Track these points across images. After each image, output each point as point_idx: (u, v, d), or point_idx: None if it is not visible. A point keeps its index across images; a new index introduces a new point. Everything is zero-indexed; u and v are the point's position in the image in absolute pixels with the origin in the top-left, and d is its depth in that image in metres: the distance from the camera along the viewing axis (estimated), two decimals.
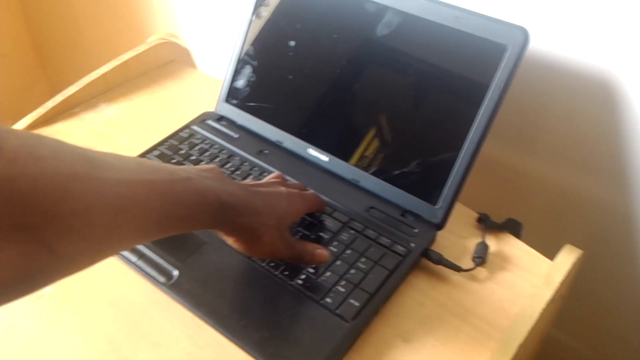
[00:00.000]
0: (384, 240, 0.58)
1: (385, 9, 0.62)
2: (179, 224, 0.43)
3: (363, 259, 0.56)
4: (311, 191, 0.59)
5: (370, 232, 0.59)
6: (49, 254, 0.33)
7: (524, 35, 0.55)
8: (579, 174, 0.68)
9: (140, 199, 0.39)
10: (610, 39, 0.59)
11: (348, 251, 0.57)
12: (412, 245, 0.57)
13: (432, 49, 0.60)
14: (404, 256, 0.56)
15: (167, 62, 0.89)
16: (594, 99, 0.62)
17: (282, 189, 0.54)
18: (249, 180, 0.58)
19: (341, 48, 0.65)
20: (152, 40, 0.87)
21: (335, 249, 0.57)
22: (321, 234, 0.58)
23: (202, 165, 0.50)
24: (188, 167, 0.48)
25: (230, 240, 0.49)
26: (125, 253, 0.56)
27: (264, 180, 0.57)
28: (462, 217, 0.62)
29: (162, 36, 0.89)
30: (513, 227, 0.62)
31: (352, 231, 0.59)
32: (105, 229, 0.36)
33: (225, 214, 0.46)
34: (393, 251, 0.57)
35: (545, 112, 0.67)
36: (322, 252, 0.53)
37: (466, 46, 0.58)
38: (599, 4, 0.58)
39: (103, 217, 0.36)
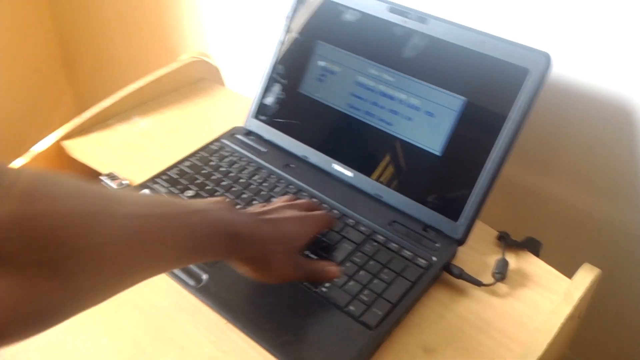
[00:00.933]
0: (406, 253, 0.59)
1: (412, 32, 0.65)
2: (192, 255, 0.44)
3: (386, 270, 0.57)
4: (320, 211, 0.60)
5: (393, 245, 0.60)
6: (66, 289, 0.34)
7: (547, 60, 0.57)
8: (597, 196, 0.70)
9: (154, 231, 0.39)
10: (630, 64, 0.61)
11: (371, 262, 0.58)
12: (434, 259, 0.59)
13: (457, 71, 0.62)
14: (425, 269, 0.58)
15: (198, 79, 0.93)
16: (613, 123, 0.64)
17: (291, 213, 0.54)
18: (257, 206, 0.57)
19: (368, 69, 0.68)
20: (184, 59, 0.91)
21: (358, 260, 0.58)
22: (345, 245, 0.60)
23: (212, 198, 0.51)
24: (198, 200, 0.49)
25: (241, 269, 0.50)
26: None
27: (274, 204, 0.57)
28: (482, 234, 0.64)
29: (193, 54, 0.93)
30: (532, 246, 0.63)
31: (375, 243, 0.61)
32: (119, 262, 0.37)
33: (236, 243, 0.46)
34: (415, 264, 0.58)
35: (565, 135, 0.69)
36: (332, 269, 0.55)
37: (490, 70, 0.60)
38: (619, 30, 0.60)
39: (118, 250, 0.37)
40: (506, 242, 0.64)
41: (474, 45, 0.61)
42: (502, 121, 0.59)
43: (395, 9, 0.66)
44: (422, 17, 0.64)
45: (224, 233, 0.45)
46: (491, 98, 0.60)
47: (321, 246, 0.60)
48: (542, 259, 0.63)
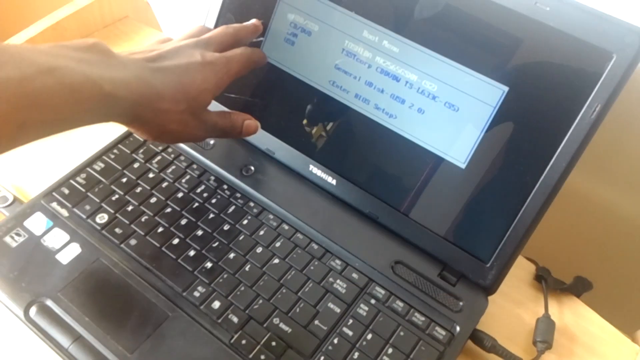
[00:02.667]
0: (418, 318, 0.42)
1: None
2: (42, 129, 0.34)
3: (390, 350, 0.40)
4: (240, 49, 0.45)
5: (399, 304, 0.43)
6: None
7: (639, 41, 0.37)
8: None
9: None
10: None
11: (368, 335, 0.41)
12: (457, 327, 0.41)
13: (498, 46, 0.42)
14: (446, 344, 0.41)
15: (118, 19, 0.68)
16: None
17: (198, 54, 0.42)
18: (152, 45, 0.43)
19: (361, 31, 0.46)
20: None
21: (350, 332, 0.41)
22: (331, 305, 0.42)
23: (79, 41, 0.36)
24: (59, 50, 0.35)
25: (135, 132, 0.42)
26: (56, 334, 0.39)
27: (178, 39, 0.44)
28: (514, 270, 0.46)
29: None
30: (582, 288, 0.47)
31: (373, 301, 0.43)
32: None
33: (113, 107, 0.36)
34: (431, 336, 0.41)
35: (636, 136, 0.50)
36: (250, 122, 0.46)
37: (553, 49, 0.40)
38: None
39: None
40: (547, 283, 0.47)
41: (527, 9, 0.40)
42: (565, 125, 0.40)
43: None
44: None
45: (94, 96, 0.34)
46: (551, 91, 0.41)
47: (291, 310, 0.41)
48: (591, 304, 0.47)
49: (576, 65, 0.39)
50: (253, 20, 0.49)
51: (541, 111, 0.41)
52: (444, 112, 0.44)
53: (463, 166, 0.44)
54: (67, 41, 0.36)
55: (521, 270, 0.48)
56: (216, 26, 0.52)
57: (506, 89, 0.42)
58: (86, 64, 0.35)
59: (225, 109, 0.48)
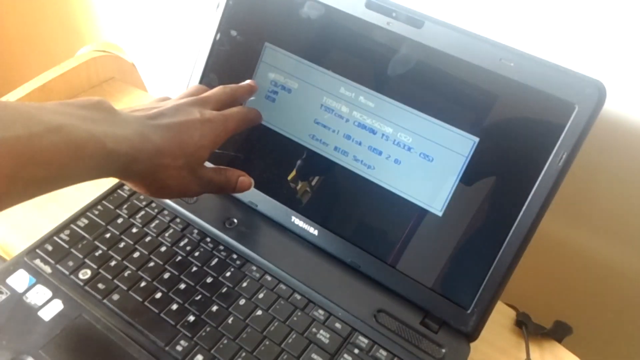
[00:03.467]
0: None
1: (401, 39, 0.45)
2: (45, 185, 0.34)
3: None
4: (237, 108, 0.47)
5: (382, 353, 0.43)
6: None
7: (599, 92, 0.40)
8: None
9: None
10: None
11: None
12: None
13: (467, 99, 0.44)
14: None
15: (104, 80, 0.70)
16: None
17: (196, 112, 0.43)
18: (151, 103, 0.45)
19: (338, 88, 0.49)
20: (84, 54, 0.68)
21: None
22: (314, 356, 0.42)
23: (84, 99, 0.37)
24: (65, 108, 0.36)
25: (132, 187, 0.42)
26: None
27: (172, 100, 0.45)
28: (494, 316, 0.47)
29: (98, 47, 0.70)
30: (562, 333, 0.48)
31: (357, 350, 0.43)
32: None
33: (113, 163, 0.37)
34: None
35: (606, 179, 0.52)
36: (245, 179, 0.47)
37: (517, 102, 0.42)
38: None
39: None
40: (528, 329, 0.47)
41: (493, 65, 0.43)
42: (534, 173, 0.42)
43: (374, 4, 0.46)
44: (413, 19, 0.45)
45: (97, 152, 0.35)
46: (519, 141, 0.43)
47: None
48: (571, 348, 0.47)
49: (542, 116, 0.42)
50: (249, 81, 0.50)
51: (511, 160, 0.43)
52: (420, 163, 0.46)
53: (440, 214, 0.45)
54: (72, 99, 0.37)
55: (502, 316, 0.49)
56: (200, 82, 0.54)
57: (477, 139, 0.44)
58: (90, 122, 0.36)
59: (213, 166, 0.49)
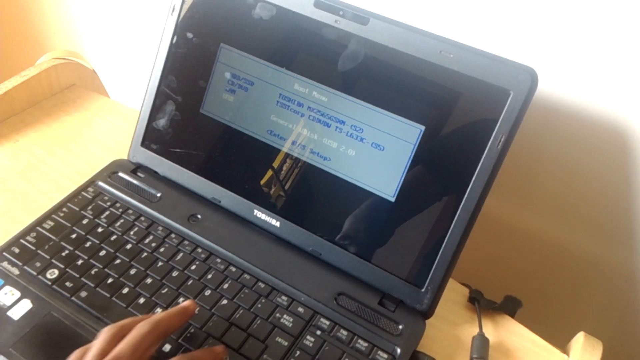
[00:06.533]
0: (361, 344, 0.44)
1: (349, 36, 0.48)
2: None
3: None
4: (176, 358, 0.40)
5: (343, 333, 0.45)
6: None
7: (531, 78, 0.43)
8: (588, 236, 0.57)
9: None
10: (629, 78, 0.48)
11: None
12: (398, 350, 0.44)
13: (411, 90, 0.47)
14: None
15: (66, 87, 0.71)
16: (605, 148, 0.51)
17: None
18: None
19: (292, 84, 0.51)
20: (44, 62, 0.69)
21: None
22: (279, 339, 0.44)
23: None
24: None
25: None
26: None
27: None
28: (449, 294, 0.50)
29: (58, 55, 0.71)
30: (512, 307, 0.51)
31: (319, 332, 0.45)
32: None
33: None
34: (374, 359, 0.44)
35: (547, 162, 0.56)
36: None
37: (458, 90, 0.45)
38: (616, 42, 0.47)
39: None
40: (480, 304, 0.50)
41: (434, 57, 0.45)
42: (476, 156, 0.45)
43: (322, 3, 0.49)
44: (359, 16, 0.47)
45: None
46: (461, 127, 0.46)
47: (241, 347, 0.43)
48: (521, 321, 0.50)
49: (480, 103, 0.44)
50: (185, 302, 0.43)
51: (455, 145, 0.46)
52: (372, 152, 0.48)
53: (393, 199, 0.48)
54: None
55: (456, 294, 0.52)
56: (159, 88, 0.56)
57: (422, 127, 0.46)
58: None
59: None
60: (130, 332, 0.38)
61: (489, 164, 0.44)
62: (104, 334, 0.38)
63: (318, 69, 0.50)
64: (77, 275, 0.47)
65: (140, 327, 0.38)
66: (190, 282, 0.48)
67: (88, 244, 0.50)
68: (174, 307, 0.42)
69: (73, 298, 0.46)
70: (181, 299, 0.46)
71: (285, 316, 0.46)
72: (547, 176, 0.56)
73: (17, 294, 0.45)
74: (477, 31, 0.53)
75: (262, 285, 0.48)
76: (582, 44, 0.49)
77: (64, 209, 0.53)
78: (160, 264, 0.49)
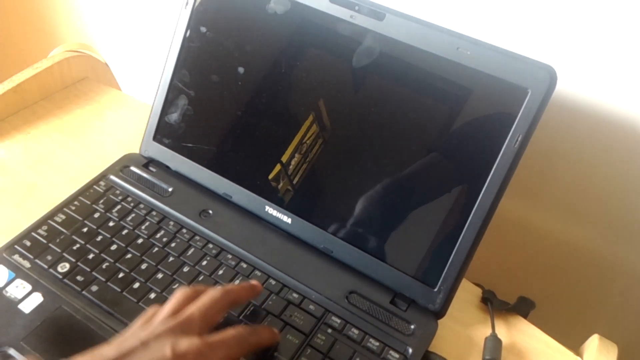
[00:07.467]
0: (373, 343, 0.44)
1: (364, 32, 0.47)
2: None
3: None
4: (237, 329, 0.39)
5: (354, 332, 0.45)
6: None
7: (550, 77, 0.42)
8: (604, 238, 0.56)
9: None
10: None
11: None
12: (409, 350, 0.44)
13: (426, 90, 0.46)
14: None
15: (78, 80, 0.71)
16: (624, 148, 0.50)
17: (167, 349, 0.35)
18: (136, 327, 0.38)
19: (306, 79, 0.50)
20: (57, 54, 0.69)
21: None
22: (290, 337, 0.44)
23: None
24: None
25: None
26: None
27: (160, 317, 0.38)
28: (461, 294, 0.50)
29: (70, 47, 0.71)
30: (525, 308, 0.50)
31: (330, 330, 0.45)
32: None
33: None
34: (385, 359, 0.43)
35: (564, 162, 0.55)
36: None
37: (473, 88, 0.44)
38: (636, 41, 0.46)
39: None
40: (493, 305, 0.50)
41: (451, 54, 0.45)
42: (492, 155, 0.44)
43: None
44: (375, 12, 0.47)
45: None
46: (478, 125, 0.45)
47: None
48: (535, 322, 0.50)
49: (498, 101, 0.44)
50: (252, 281, 0.44)
51: (471, 143, 0.45)
52: None
53: (407, 198, 0.47)
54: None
55: (469, 294, 0.51)
56: (172, 82, 0.55)
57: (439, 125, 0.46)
58: None
59: None
60: (202, 295, 0.40)
61: (505, 163, 0.44)
62: (178, 295, 0.40)
63: (330, 63, 0.49)
64: (88, 269, 0.47)
65: (213, 293, 0.40)
66: (201, 277, 0.47)
67: (99, 238, 0.50)
68: (243, 282, 0.44)
69: (84, 292, 0.45)
70: None
71: (296, 314, 0.46)
72: (563, 176, 0.55)
73: (28, 287, 0.45)
74: (494, 28, 0.52)
75: (273, 282, 0.48)
76: (602, 43, 0.48)
77: (76, 203, 0.52)
78: (171, 259, 0.48)
